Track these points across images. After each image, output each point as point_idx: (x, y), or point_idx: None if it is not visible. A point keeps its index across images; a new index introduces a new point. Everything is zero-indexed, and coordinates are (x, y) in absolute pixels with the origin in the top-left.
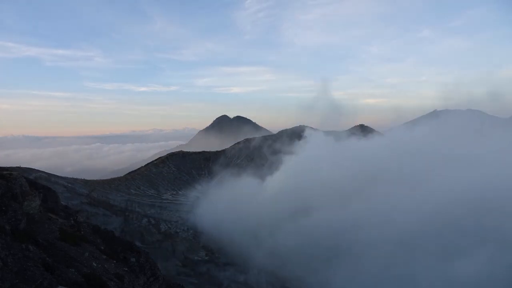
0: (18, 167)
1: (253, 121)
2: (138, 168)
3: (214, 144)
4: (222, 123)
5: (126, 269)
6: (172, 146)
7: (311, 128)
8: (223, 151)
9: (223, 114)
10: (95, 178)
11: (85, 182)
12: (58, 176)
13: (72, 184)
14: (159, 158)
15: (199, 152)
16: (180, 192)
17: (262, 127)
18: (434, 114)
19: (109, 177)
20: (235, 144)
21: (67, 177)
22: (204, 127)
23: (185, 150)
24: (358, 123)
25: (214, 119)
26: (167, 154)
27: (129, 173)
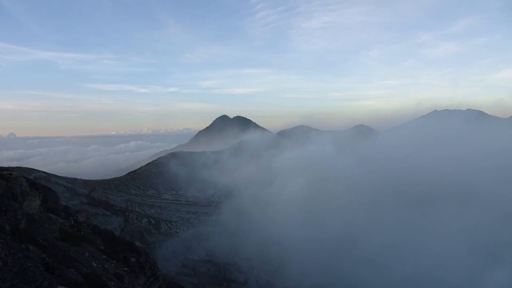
0: (18, 167)
1: (254, 121)
2: (138, 168)
3: (214, 144)
4: (222, 123)
5: (126, 269)
6: (172, 146)
7: (311, 128)
8: (223, 151)
9: (223, 114)
10: (95, 178)
11: (85, 182)
12: (58, 176)
13: (72, 184)
14: (159, 158)
15: (199, 152)
16: (180, 192)
17: (262, 127)
18: (434, 114)
19: (109, 177)
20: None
21: (67, 177)
22: (204, 127)
23: (185, 150)
24: (358, 123)
25: (214, 119)
26: (167, 154)
27: (129, 173)
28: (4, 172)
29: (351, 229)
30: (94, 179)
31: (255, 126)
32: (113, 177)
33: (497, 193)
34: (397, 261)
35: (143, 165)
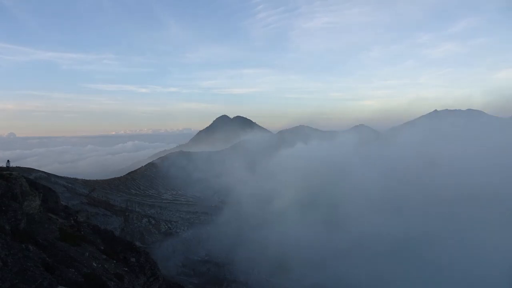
0: (18, 167)
1: (254, 121)
2: (138, 168)
3: (214, 144)
4: (222, 123)
5: (126, 269)
6: (171, 146)
7: (311, 128)
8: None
9: (223, 114)
10: (95, 178)
11: (85, 182)
12: (58, 176)
13: (72, 184)
14: (159, 158)
15: (200, 152)
16: (180, 192)
17: (262, 127)
18: (434, 114)
19: (109, 177)
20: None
21: (67, 177)
22: (204, 127)
23: (185, 150)
24: (358, 123)
25: (215, 119)
26: (167, 154)
27: (129, 173)
28: (4, 172)
29: (354, 228)
30: (94, 179)
31: (255, 126)
32: (113, 177)
33: (500, 192)
34: (398, 261)
35: (139, 166)
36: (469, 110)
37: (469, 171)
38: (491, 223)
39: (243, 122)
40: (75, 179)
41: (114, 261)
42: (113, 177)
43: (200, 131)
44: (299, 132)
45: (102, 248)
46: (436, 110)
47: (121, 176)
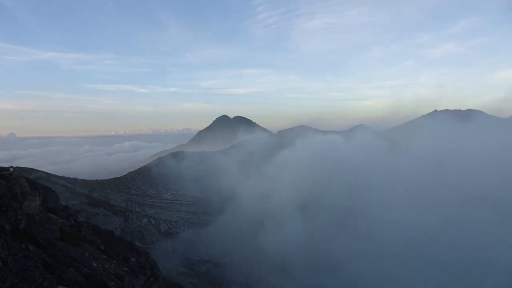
0: (18, 167)
1: (254, 121)
2: (138, 168)
3: (214, 144)
4: (222, 123)
5: (126, 269)
6: (169, 146)
7: (311, 128)
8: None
9: (223, 114)
10: (95, 178)
11: (85, 182)
12: (58, 176)
13: (72, 184)
14: (159, 158)
15: (199, 152)
16: (180, 192)
17: (262, 127)
18: (434, 114)
19: (109, 177)
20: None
21: (67, 177)
22: (204, 127)
23: (185, 150)
24: (358, 123)
25: (214, 119)
26: (167, 154)
27: (129, 173)
28: (4, 172)
29: (355, 228)
30: (94, 179)
31: (255, 126)
32: (113, 177)
33: (500, 192)
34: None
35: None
36: (469, 110)
37: (469, 171)
38: (491, 223)
39: (243, 122)
40: (75, 179)
41: (114, 261)
42: (113, 177)
43: (200, 131)
44: (299, 132)
45: (102, 248)
46: (436, 110)
47: (121, 176)
